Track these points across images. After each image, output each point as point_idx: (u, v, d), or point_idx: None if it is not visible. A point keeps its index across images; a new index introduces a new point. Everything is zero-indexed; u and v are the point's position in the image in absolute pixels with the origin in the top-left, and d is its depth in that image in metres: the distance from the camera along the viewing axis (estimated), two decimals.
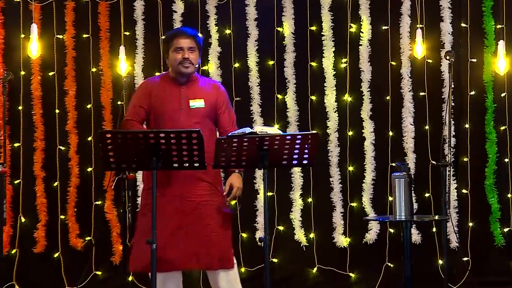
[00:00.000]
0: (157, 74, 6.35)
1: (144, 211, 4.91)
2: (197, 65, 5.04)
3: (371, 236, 6.43)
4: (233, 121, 5.15)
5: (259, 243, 6.35)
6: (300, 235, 6.48)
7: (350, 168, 6.48)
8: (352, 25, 6.51)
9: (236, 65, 6.54)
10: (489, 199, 6.37)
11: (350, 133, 6.49)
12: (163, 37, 6.54)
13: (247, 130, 4.41)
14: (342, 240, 6.45)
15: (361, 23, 6.49)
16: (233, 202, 5.60)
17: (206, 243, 4.86)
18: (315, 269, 6.49)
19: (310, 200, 6.49)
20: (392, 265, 6.44)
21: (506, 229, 6.38)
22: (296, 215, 6.49)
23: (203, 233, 4.87)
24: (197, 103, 4.99)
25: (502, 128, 6.40)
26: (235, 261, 4.98)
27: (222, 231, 4.90)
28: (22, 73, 6.59)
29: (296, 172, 6.49)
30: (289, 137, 4.41)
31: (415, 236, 6.36)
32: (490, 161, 6.37)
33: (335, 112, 6.49)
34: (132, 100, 5.12)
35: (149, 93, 5.04)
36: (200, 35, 5.14)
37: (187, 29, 5.11)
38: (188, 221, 4.87)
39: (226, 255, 4.92)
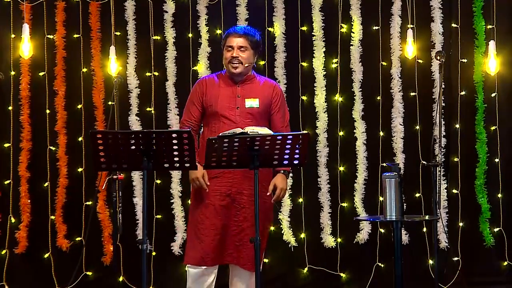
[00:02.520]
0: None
1: (196, 202, 5.00)
2: (247, 65, 5.01)
3: (362, 236, 6.44)
4: (286, 121, 5.15)
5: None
6: (288, 235, 6.48)
7: (341, 168, 6.49)
8: (343, 25, 6.52)
9: None
10: (479, 199, 6.39)
11: (341, 133, 6.49)
12: (154, 37, 6.57)
13: (238, 130, 4.41)
14: (330, 240, 6.45)
15: (352, 23, 6.49)
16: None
17: (241, 243, 4.96)
18: (306, 269, 6.49)
19: (300, 200, 6.49)
20: (382, 265, 6.45)
21: (496, 229, 6.40)
22: (286, 216, 6.49)
23: (244, 233, 4.95)
24: (252, 102, 5.01)
25: (493, 128, 6.42)
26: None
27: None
28: (12, 73, 6.56)
29: None
30: (280, 137, 4.40)
31: (404, 236, 6.37)
32: (481, 161, 6.38)
33: (324, 112, 6.49)
34: (187, 101, 5.14)
35: (203, 92, 5.05)
36: (256, 34, 5.10)
37: (240, 28, 5.11)
38: (235, 219, 4.97)
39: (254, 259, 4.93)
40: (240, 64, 4.99)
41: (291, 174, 6.42)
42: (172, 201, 6.49)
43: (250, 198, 4.93)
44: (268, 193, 5.04)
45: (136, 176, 6.50)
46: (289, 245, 6.48)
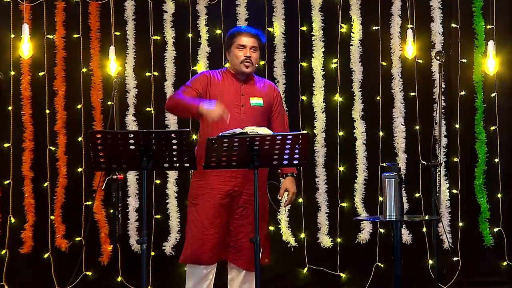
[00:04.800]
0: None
1: (195, 201, 4.99)
2: (257, 65, 5.09)
3: (364, 236, 6.43)
4: (286, 123, 5.20)
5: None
6: (288, 235, 6.48)
7: (341, 168, 6.48)
8: (342, 25, 6.52)
9: (227, 65, 6.51)
10: (479, 199, 6.38)
11: (341, 133, 6.49)
12: (154, 37, 6.57)
13: (238, 130, 4.41)
14: (326, 240, 6.45)
15: (351, 23, 6.49)
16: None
17: (239, 244, 4.99)
18: (306, 269, 6.49)
19: (300, 200, 6.49)
20: (382, 265, 6.45)
21: (496, 229, 6.40)
22: (284, 216, 6.48)
23: (242, 232, 4.97)
24: (257, 101, 5.04)
25: (492, 128, 6.42)
26: None
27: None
28: (12, 73, 6.57)
29: None
30: (279, 137, 4.40)
31: (406, 236, 6.37)
32: (480, 161, 6.38)
33: (322, 112, 6.49)
34: (187, 82, 5.09)
35: (208, 82, 5.03)
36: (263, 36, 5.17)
37: (251, 28, 5.16)
38: (235, 216, 4.98)
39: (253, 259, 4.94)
40: (251, 64, 5.04)
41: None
42: (167, 201, 6.49)
43: (250, 198, 4.94)
44: (280, 198, 5.09)
45: (131, 176, 6.50)
46: (288, 245, 6.48)
